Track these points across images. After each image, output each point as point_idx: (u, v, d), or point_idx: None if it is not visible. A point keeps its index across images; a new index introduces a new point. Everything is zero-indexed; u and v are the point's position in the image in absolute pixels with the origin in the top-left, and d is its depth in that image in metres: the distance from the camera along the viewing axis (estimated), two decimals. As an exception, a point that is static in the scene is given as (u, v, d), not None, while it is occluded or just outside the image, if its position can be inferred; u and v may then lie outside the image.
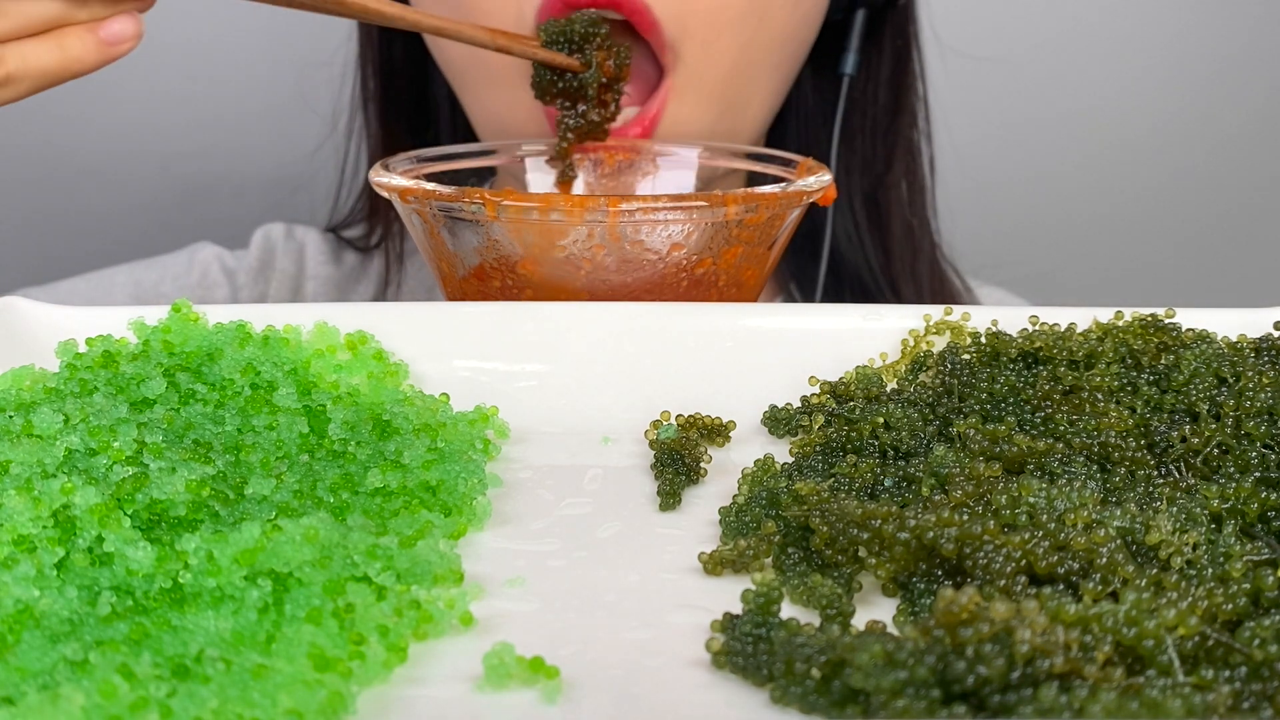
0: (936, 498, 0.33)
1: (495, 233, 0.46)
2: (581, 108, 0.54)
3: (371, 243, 0.76)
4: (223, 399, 0.37)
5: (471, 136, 0.73)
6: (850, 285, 0.71)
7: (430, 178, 0.52)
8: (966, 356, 0.40)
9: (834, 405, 0.40)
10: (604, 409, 0.42)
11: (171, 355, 0.39)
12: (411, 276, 0.74)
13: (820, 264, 0.68)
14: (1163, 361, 0.39)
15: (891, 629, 0.29)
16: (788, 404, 0.41)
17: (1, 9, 0.43)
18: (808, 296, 0.70)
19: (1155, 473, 0.35)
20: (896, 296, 0.71)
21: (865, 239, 0.71)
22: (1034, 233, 1.02)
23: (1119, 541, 0.29)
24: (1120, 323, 0.40)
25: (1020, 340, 0.40)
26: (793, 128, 0.72)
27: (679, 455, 0.38)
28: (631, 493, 0.37)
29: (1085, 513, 0.31)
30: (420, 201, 0.46)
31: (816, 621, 0.29)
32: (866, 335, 0.43)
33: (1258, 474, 0.34)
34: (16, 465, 0.32)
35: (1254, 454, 0.34)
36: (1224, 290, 1.04)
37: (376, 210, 0.74)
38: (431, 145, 0.70)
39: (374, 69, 0.72)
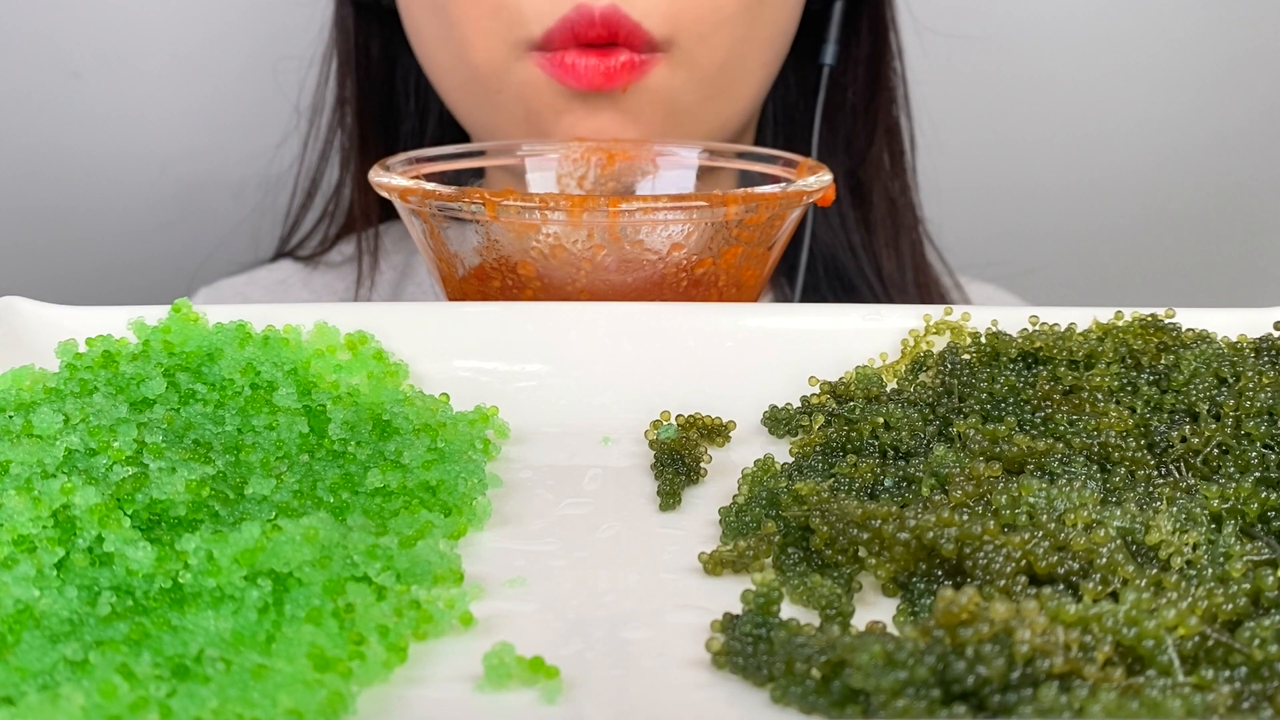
0: (936, 498, 0.33)
1: (495, 233, 0.46)
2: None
3: (323, 244, 0.75)
4: (223, 399, 0.37)
5: (441, 138, 0.73)
6: (825, 269, 0.72)
7: (429, 178, 0.52)
8: (966, 356, 0.40)
9: (834, 405, 0.40)
10: (604, 409, 0.42)
11: (171, 355, 0.39)
12: (381, 287, 0.74)
13: (802, 251, 0.68)
14: (1163, 361, 0.39)
15: (891, 629, 0.29)
16: (788, 404, 0.41)
17: None
18: (792, 284, 0.71)
19: (1155, 473, 0.35)
20: (879, 274, 0.71)
21: (847, 215, 0.71)
22: (1026, 231, 1.02)
23: (1119, 541, 0.29)
24: (1120, 323, 0.40)
25: (1020, 340, 0.40)
26: (772, 115, 0.72)
27: (679, 455, 0.38)
28: (631, 493, 0.37)
29: (1085, 513, 0.31)
30: (420, 201, 0.46)
31: (816, 621, 0.29)
32: (866, 335, 0.43)
33: (1258, 474, 0.34)
34: (16, 465, 0.32)
35: (1254, 454, 0.34)
36: (1224, 290, 1.04)
37: (353, 218, 0.74)
38: (399, 148, 0.71)
39: (351, 70, 0.72)
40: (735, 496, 0.36)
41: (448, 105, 0.65)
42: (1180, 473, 0.35)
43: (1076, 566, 0.29)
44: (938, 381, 0.40)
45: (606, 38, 0.56)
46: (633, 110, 0.58)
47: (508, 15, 0.57)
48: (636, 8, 0.56)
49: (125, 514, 0.31)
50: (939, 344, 0.43)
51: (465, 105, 0.63)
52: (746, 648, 0.28)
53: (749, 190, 0.45)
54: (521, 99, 0.59)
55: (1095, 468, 0.34)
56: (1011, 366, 0.40)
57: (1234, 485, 0.33)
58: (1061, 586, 0.29)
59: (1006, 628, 0.25)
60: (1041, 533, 0.30)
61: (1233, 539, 0.31)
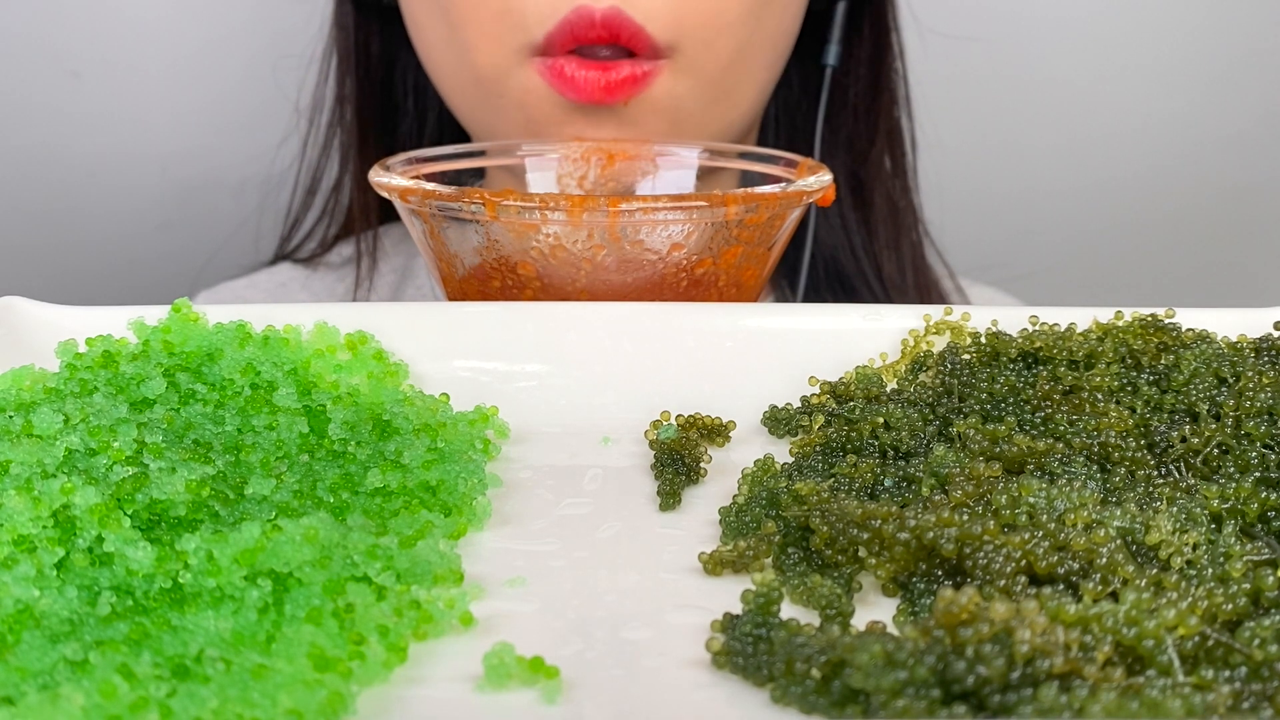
0: (936, 498, 0.33)
1: (495, 233, 0.46)
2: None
3: (323, 245, 0.75)
4: (223, 399, 0.37)
5: (440, 136, 0.73)
6: (826, 271, 0.72)
7: (429, 178, 0.52)
8: (966, 356, 0.40)
9: (834, 405, 0.40)
10: (604, 409, 0.42)
11: (171, 355, 0.39)
12: (379, 287, 0.74)
13: (804, 253, 0.68)
14: (1163, 361, 0.39)
15: (891, 629, 0.29)
16: (788, 404, 0.41)
17: None
18: (793, 285, 0.71)
19: (1155, 473, 0.35)
20: (879, 275, 0.71)
21: (848, 216, 0.72)
22: (1027, 232, 1.02)
23: (1119, 541, 0.29)
24: (1120, 323, 0.40)
25: (1020, 340, 0.40)
26: (774, 116, 0.72)
27: (679, 455, 0.38)
28: (631, 493, 0.37)
29: (1085, 513, 0.31)
30: (420, 201, 0.46)
31: (816, 621, 0.29)
32: (866, 335, 0.43)
33: (1258, 474, 0.34)
34: (16, 465, 0.32)
35: (1254, 454, 0.34)
36: (1224, 290, 1.04)
37: (352, 218, 0.74)
38: (398, 147, 0.71)
39: (351, 68, 0.72)
40: (735, 496, 0.36)
41: (449, 106, 0.65)
42: (1180, 473, 0.35)
43: (1076, 566, 0.29)
44: (938, 381, 0.40)
45: (608, 39, 0.56)
46: (637, 122, 0.58)
47: (512, 19, 0.57)
48: (639, 10, 0.56)
49: (125, 514, 0.31)
50: (939, 344, 0.43)
51: (467, 107, 0.63)
52: (746, 648, 0.28)
53: (749, 190, 0.45)
54: (522, 106, 0.59)
55: (1095, 468, 0.34)
56: (1011, 366, 0.40)
57: (1234, 485, 0.33)
58: (1061, 586, 0.29)
59: (1006, 628, 0.25)
60: (1041, 533, 0.30)
61: (1233, 539, 0.31)
